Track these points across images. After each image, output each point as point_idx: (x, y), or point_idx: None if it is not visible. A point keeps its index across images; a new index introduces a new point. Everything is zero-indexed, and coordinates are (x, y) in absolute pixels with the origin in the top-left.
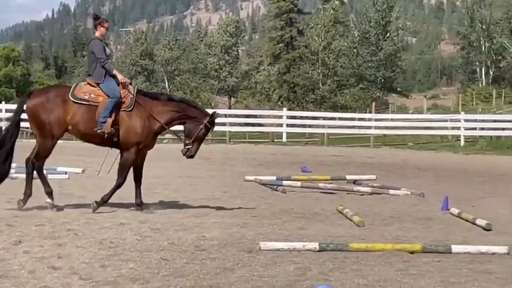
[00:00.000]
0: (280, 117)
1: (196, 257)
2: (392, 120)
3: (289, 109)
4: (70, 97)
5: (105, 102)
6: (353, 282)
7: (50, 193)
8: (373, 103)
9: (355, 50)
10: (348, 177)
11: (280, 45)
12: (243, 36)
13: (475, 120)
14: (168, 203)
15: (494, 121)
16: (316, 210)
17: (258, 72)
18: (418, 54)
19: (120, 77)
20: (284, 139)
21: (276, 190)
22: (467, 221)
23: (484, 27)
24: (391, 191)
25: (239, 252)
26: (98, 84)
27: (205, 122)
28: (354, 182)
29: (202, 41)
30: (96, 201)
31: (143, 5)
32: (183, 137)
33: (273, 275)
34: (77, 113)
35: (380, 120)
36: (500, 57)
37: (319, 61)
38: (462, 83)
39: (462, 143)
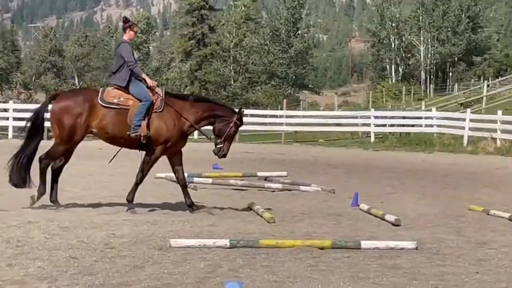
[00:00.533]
0: None
1: (105, 255)
2: (303, 117)
3: None
4: (99, 101)
5: (138, 106)
6: (263, 278)
7: (41, 194)
8: (285, 100)
9: (266, 47)
10: (259, 174)
11: (191, 41)
12: (154, 32)
13: (385, 117)
14: (77, 200)
15: (404, 118)
16: (227, 207)
17: (169, 69)
18: (329, 51)
19: (149, 80)
20: (195, 136)
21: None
22: (376, 216)
23: (393, 24)
24: (302, 188)
25: (149, 250)
26: (121, 87)
27: (234, 119)
28: (265, 178)
29: (112, 37)
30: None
31: (52, 1)
32: (212, 137)
33: (183, 272)
34: (105, 117)
35: (291, 117)
36: (409, 55)
37: (231, 58)
38: (372, 80)
39: (372, 139)
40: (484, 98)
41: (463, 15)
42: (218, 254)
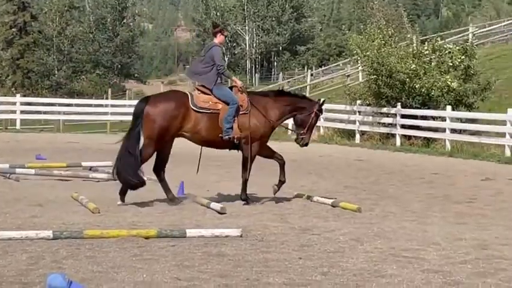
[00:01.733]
0: (14, 103)
1: None
2: (129, 106)
3: (24, 95)
4: (191, 106)
5: (227, 109)
6: (87, 269)
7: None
8: (110, 89)
9: (91, 36)
10: (84, 164)
11: (13, 30)
12: None
13: None
14: None
15: None
16: (51, 198)
17: None
18: (155, 40)
19: (238, 82)
20: (18, 126)
21: (9, 178)
22: (202, 205)
23: (218, 14)
24: None
25: None
26: (206, 89)
27: (315, 110)
28: (90, 168)
29: None
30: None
31: None
32: (293, 129)
33: (4, 265)
34: (199, 122)
35: (117, 106)
36: (234, 44)
37: (54, 47)
38: None
39: None
40: (308, 87)
41: (287, 5)
42: (41, 245)
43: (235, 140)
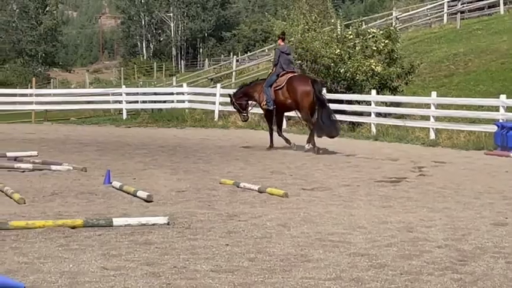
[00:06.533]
0: None
1: None
2: (54, 95)
3: None
4: None
5: None
6: (13, 260)
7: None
8: (34, 78)
9: (13, 24)
10: (9, 154)
11: None
12: None
13: (137, 94)
14: None
15: (155, 94)
16: None
17: None
18: (79, 28)
19: None
20: None
21: None
22: (128, 193)
23: (143, 1)
24: (53, 167)
25: None
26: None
27: None
28: (15, 158)
29: None
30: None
31: None
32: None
33: None
34: None
35: (41, 95)
36: (160, 31)
37: None
38: (124, 56)
39: (124, 116)
40: (234, 73)
41: None
42: None
43: None
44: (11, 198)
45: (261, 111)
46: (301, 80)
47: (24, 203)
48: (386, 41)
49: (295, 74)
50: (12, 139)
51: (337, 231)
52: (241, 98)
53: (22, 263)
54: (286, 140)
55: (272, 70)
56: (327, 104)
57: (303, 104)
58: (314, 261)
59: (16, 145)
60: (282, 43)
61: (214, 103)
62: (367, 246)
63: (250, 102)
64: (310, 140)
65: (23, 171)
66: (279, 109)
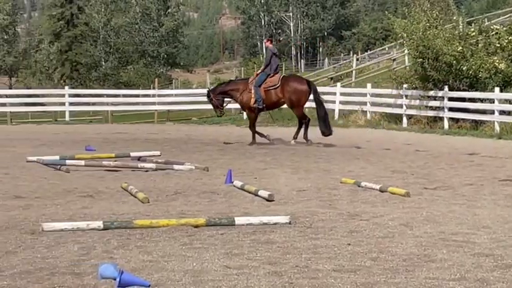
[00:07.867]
0: (63, 95)
1: None
2: (176, 95)
3: (72, 87)
4: None
5: None
6: (138, 258)
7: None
8: (156, 79)
9: (136, 26)
10: (132, 154)
11: (60, 22)
12: (21, 14)
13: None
14: None
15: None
16: (101, 189)
17: (38, 51)
18: (200, 29)
19: None
20: (67, 118)
21: (59, 170)
22: (250, 193)
23: (262, 1)
24: (176, 166)
25: (22, 235)
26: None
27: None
28: (139, 158)
29: None
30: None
31: None
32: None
33: (57, 255)
34: None
35: (164, 96)
36: (279, 31)
37: (101, 38)
38: (244, 56)
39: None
40: (354, 72)
41: None
42: (92, 236)
43: None
44: (135, 197)
45: (381, 109)
46: (297, 80)
47: (148, 202)
48: (510, 38)
49: (285, 74)
50: (136, 139)
51: (461, 231)
52: (219, 95)
53: (147, 261)
54: (261, 135)
55: (261, 70)
56: (323, 104)
57: (300, 103)
58: (437, 262)
59: (139, 145)
60: (271, 45)
61: (334, 102)
62: (492, 247)
63: (225, 99)
64: (305, 135)
65: (147, 171)
66: (266, 107)
